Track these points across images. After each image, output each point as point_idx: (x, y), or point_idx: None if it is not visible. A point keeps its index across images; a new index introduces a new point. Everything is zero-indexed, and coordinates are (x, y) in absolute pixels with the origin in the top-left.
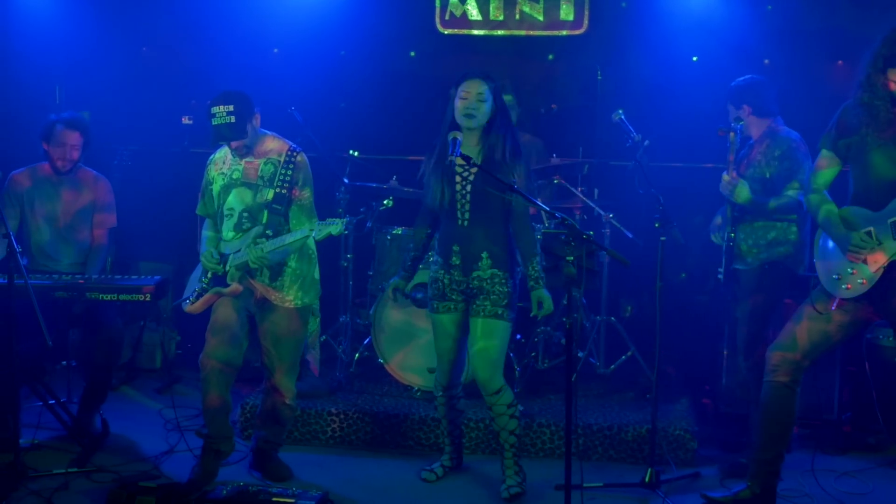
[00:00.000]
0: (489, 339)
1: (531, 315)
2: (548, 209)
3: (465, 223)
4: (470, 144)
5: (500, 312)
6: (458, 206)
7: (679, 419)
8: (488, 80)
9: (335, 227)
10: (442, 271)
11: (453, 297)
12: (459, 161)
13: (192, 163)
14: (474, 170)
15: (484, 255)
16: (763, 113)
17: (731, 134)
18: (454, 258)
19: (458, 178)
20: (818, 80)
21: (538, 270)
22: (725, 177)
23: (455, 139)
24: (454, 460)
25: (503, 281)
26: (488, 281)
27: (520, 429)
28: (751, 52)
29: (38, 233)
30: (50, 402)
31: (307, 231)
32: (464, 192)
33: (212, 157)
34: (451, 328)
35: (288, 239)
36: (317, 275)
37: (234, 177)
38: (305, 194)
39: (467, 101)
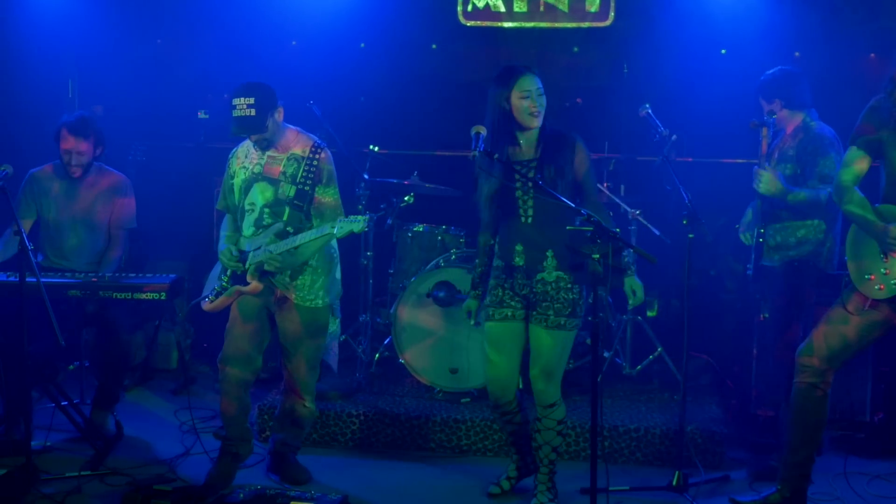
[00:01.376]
0: (550, 350)
1: (629, 306)
2: (573, 205)
3: (529, 220)
4: (528, 141)
5: (563, 322)
6: (520, 203)
7: (707, 421)
8: (537, 72)
9: (357, 224)
10: (503, 276)
11: (512, 303)
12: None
13: (207, 158)
14: (533, 164)
15: (549, 253)
16: (795, 106)
17: (764, 129)
18: (517, 258)
19: (517, 175)
20: (851, 73)
21: (624, 255)
22: (759, 172)
23: (478, 134)
24: (522, 469)
25: (568, 286)
26: (553, 285)
27: (563, 447)
28: (781, 45)
29: (57, 232)
30: (62, 403)
31: (328, 229)
32: (525, 187)
33: (234, 150)
34: (508, 339)
35: (304, 238)
36: (338, 274)
37: (255, 171)
38: (329, 192)
39: (530, 99)
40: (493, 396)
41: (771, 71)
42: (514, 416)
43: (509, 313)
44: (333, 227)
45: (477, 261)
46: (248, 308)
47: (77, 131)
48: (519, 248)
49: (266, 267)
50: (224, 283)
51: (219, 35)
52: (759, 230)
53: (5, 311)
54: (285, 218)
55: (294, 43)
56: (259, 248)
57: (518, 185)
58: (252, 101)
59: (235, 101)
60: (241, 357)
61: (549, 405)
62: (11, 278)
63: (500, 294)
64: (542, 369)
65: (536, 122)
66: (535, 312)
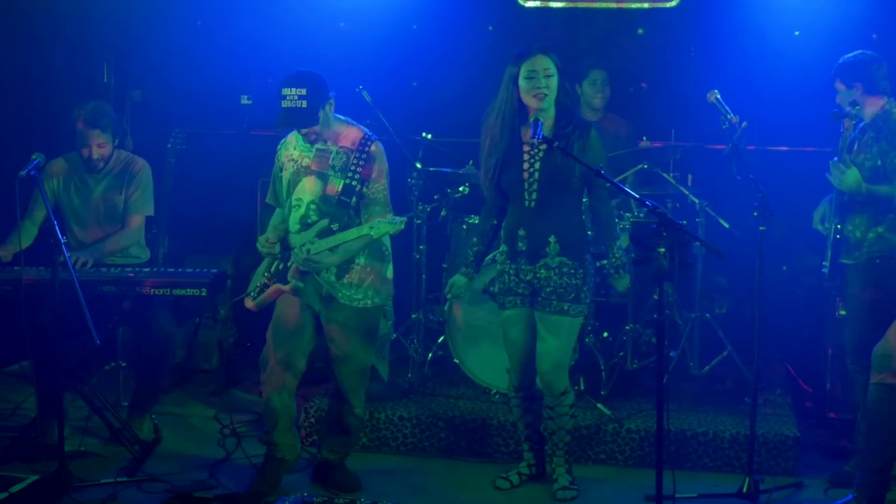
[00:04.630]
0: (554, 337)
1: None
2: (637, 196)
3: (532, 204)
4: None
5: (566, 308)
6: (525, 187)
7: (780, 424)
8: (550, 54)
9: (393, 226)
10: (508, 262)
11: (519, 290)
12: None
13: (251, 146)
14: (543, 146)
15: (552, 238)
16: (878, 91)
17: (846, 121)
18: (520, 244)
19: (525, 157)
20: None
21: (619, 257)
22: (836, 165)
23: (537, 120)
24: (533, 468)
25: (571, 272)
26: (556, 271)
27: (573, 426)
28: (857, 27)
29: (77, 224)
30: (98, 405)
31: (366, 229)
32: (532, 170)
33: (283, 140)
34: (520, 325)
35: (341, 238)
36: (389, 273)
37: (303, 164)
38: (379, 187)
39: (535, 80)
40: (513, 380)
41: (852, 54)
42: (532, 404)
43: (518, 300)
44: (371, 228)
45: (475, 238)
46: (291, 308)
47: (93, 123)
48: (521, 232)
49: (302, 268)
50: (266, 280)
51: (262, 16)
52: (836, 225)
53: (38, 309)
54: (330, 215)
55: (342, 25)
56: (302, 245)
57: (525, 165)
58: (304, 91)
59: (286, 91)
60: (281, 359)
61: (562, 393)
62: (43, 274)
63: (507, 281)
64: (548, 357)
65: (536, 104)
66: (539, 299)
